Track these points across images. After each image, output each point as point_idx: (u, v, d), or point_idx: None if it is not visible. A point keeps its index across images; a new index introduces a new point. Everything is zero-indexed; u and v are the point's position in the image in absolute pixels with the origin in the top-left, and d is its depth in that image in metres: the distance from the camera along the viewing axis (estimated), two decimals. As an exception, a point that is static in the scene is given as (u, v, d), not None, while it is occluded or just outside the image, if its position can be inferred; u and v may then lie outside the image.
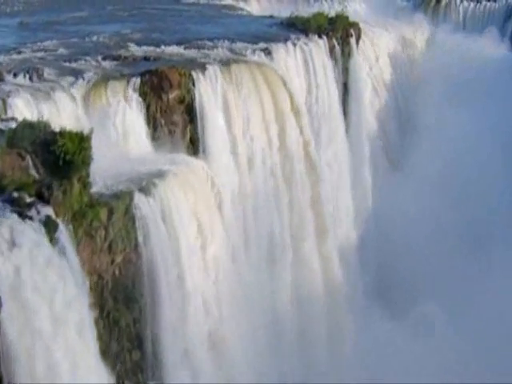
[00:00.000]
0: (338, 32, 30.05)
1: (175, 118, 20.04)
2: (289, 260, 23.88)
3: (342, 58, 30.20)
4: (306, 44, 26.73)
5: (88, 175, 14.53)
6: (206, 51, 24.11)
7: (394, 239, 29.94)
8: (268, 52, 24.72)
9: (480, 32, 54.69)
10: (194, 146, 20.67)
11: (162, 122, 19.77)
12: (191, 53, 23.72)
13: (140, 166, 17.79)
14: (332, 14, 39.71)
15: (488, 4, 57.25)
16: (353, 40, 31.01)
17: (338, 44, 29.80)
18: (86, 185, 14.44)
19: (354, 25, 32.32)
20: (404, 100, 41.89)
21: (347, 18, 33.59)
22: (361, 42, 34.97)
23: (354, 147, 30.33)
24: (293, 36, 27.54)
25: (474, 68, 45.49)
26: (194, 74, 20.54)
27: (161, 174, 17.35)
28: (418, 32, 49.82)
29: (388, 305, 26.95)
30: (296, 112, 23.50)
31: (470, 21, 56.83)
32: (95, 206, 14.48)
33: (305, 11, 53.18)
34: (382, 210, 30.92)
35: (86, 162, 14.21)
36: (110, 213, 14.61)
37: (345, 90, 31.04)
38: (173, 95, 19.80)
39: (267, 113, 22.50)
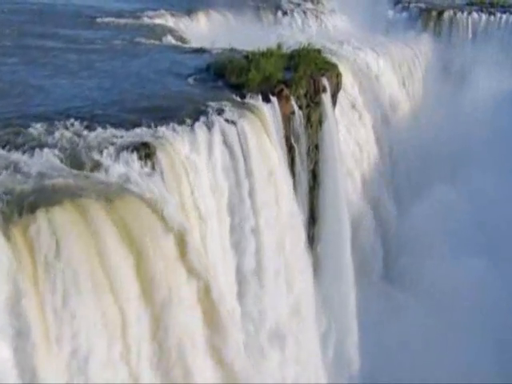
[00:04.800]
0: (301, 86, 17.53)
1: None
2: None
3: (308, 130, 17.74)
4: (233, 122, 14.15)
5: None
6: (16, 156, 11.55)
7: None
8: (147, 153, 12.17)
9: (493, 51, 42.56)
10: None
11: None
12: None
13: None
14: (299, 39, 28.24)
15: (504, 16, 45.20)
16: (326, 97, 18.53)
17: (301, 107, 17.30)
18: None
19: (330, 68, 19.87)
20: (402, 163, 29.63)
21: (319, 52, 21.29)
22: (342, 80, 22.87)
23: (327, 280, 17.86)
24: (214, 102, 15.00)
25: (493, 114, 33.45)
26: None
27: None
28: (419, 58, 37.60)
29: None
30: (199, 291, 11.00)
31: (481, 37, 44.74)
32: None
33: (270, 31, 41.11)
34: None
35: None
36: None
37: (313, 179, 18.63)
38: None
39: (126, 308, 10.00)
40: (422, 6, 46.80)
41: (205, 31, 37.92)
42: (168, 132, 13.10)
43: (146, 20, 35.16)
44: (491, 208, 27.55)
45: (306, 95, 17.51)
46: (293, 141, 16.88)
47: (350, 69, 28.28)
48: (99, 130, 12.97)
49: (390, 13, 47.35)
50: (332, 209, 18.87)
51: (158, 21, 35.81)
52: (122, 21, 34.12)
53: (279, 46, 20.82)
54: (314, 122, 17.80)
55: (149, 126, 13.34)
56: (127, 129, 13.15)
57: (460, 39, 43.86)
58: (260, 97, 15.99)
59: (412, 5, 47.45)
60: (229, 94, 16.10)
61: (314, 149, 18.06)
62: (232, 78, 16.77)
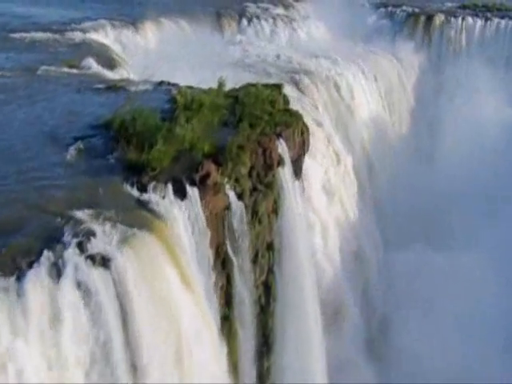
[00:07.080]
0: (242, 161, 11.20)
1: None
2: None
3: (255, 228, 11.47)
4: (105, 260, 7.83)
5: None
6: None
7: None
8: None
9: (491, 62, 36.45)
10: None
11: None
12: None
13: None
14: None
15: (502, 22, 39.21)
16: (284, 171, 12.24)
17: (242, 196, 11.02)
18: None
19: (292, 121, 13.52)
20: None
21: (278, 89, 15.22)
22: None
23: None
24: (82, 210, 8.71)
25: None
26: None
27: None
28: (406, 77, 31.48)
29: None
30: None
31: (477, 46, 38.69)
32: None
33: (232, 43, 34.89)
34: None
35: None
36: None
37: (266, 293, 12.38)
38: None
39: None
40: (409, 10, 40.58)
41: (151, 45, 31.55)
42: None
43: (75, 35, 28.43)
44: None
45: (250, 174, 11.23)
46: (229, 250, 10.61)
47: (324, 98, 22.21)
48: None
49: (373, 18, 41.13)
50: (296, 330, 12.67)
51: (91, 35, 29.23)
52: (45, 36, 27.36)
53: (220, 85, 14.56)
54: (265, 214, 11.55)
55: None
56: None
57: (453, 49, 37.84)
58: (170, 188, 9.74)
59: (397, 9, 41.17)
60: (118, 184, 9.84)
61: (266, 251, 11.83)
62: (131, 152, 10.49)
